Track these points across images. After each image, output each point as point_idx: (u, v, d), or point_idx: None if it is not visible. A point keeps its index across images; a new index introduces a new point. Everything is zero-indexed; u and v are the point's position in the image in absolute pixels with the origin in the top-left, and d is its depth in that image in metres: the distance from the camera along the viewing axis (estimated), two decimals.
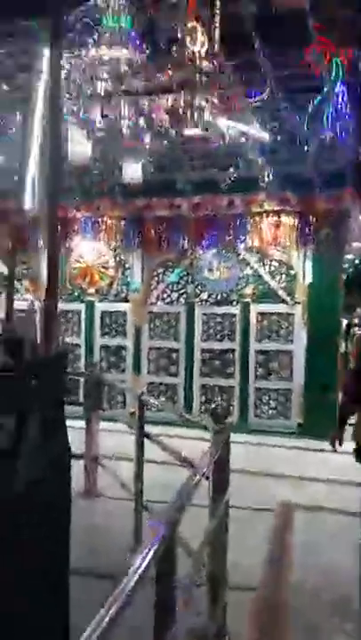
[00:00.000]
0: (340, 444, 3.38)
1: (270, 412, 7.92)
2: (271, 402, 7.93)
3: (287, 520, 4.14)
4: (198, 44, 6.94)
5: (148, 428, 4.09)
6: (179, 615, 1.64)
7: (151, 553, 1.42)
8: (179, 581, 1.66)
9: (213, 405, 2.96)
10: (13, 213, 4.91)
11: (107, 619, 1.09)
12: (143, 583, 1.31)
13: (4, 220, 5.36)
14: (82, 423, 5.04)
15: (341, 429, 3.41)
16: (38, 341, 2.74)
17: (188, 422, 5.15)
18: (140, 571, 1.31)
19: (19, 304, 4.28)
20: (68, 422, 2.70)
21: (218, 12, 6.23)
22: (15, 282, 4.08)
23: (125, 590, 1.22)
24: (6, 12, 4.73)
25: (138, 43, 6.75)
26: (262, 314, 7.98)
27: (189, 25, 6.58)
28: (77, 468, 3.28)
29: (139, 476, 4.01)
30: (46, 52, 5.46)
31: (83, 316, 8.61)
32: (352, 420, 3.35)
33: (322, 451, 4.34)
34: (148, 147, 6.88)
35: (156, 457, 4.28)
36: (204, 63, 7.00)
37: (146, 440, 4.03)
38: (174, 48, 6.89)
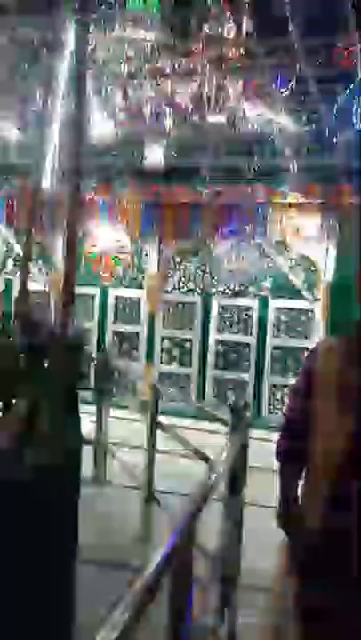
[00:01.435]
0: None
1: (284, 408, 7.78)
2: (285, 398, 7.80)
3: None
4: (227, 28, 6.75)
5: (160, 418, 3.99)
6: (193, 612, 1.55)
7: (169, 548, 1.34)
8: (195, 579, 1.56)
9: (233, 399, 2.84)
10: (31, 192, 4.81)
11: (126, 616, 0.99)
12: (161, 579, 1.24)
13: (21, 198, 5.26)
14: (92, 409, 4.95)
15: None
16: (53, 324, 2.65)
17: (201, 414, 5.03)
18: (159, 567, 1.22)
19: (33, 285, 4.18)
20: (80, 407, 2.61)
21: None
22: (30, 263, 4.00)
23: (145, 586, 1.13)
24: None
25: (165, 24, 6.59)
26: (280, 309, 7.82)
27: (219, 7, 6.40)
28: (87, 454, 3.19)
29: (149, 465, 3.91)
30: (71, 26, 5.33)
31: (97, 301, 8.52)
32: None
33: None
34: (170, 131, 6.73)
35: (167, 447, 4.19)
36: (233, 48, 6.82)
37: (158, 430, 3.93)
38: (203, 31, 6.71)
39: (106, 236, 8.34)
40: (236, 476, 2.53)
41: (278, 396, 7.80)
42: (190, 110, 6.98)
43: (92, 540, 3.27)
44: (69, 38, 4.82)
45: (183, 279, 8.22)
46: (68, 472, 2.49)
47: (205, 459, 3.05)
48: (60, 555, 2.54)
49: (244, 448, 2.69)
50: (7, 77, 6.00)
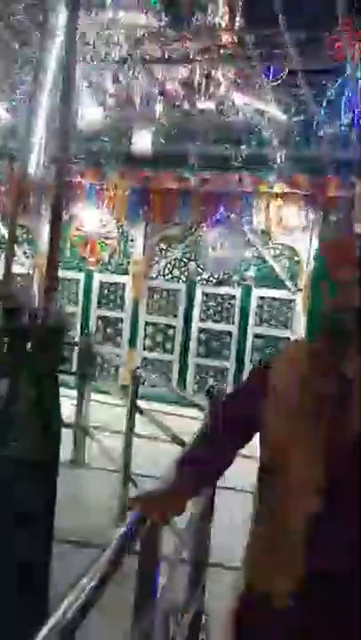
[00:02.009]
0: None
1: None
2: None
3: None
4: (219, 16, 6.74)
5: (140, 403, 4.06)
6: (159, 591, 1.63)
7: (135, 526, 1.40)
8: (162, 557, 1.64)
9: (208, 385, 2.92)
10: (17, 176, 4.81)
11: (88, 588, 1.07)
12: (126, 555, 1.30)
13: (7, 182, 5.25)
14: (73, 392, 5.01)
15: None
16: (36, 308, 2.69)
17: (182, 400, 5.12)
18: (122, 542, 1.29)
19: (17, 268, 4.20)
20: (60, 391, 2.67)
21: None
22: (14, 246, 4.02)
23: (108, 560, 1.20)
24: None
25: (157, 9, 6.55)
26: (263, 298, 7.92)
27: None
28: (66, 436, 3.25)
29: (127, 448, 4.00)
30: (62, 9, 5.28)
31: (81, 285, 8.53)
32: None
33: None
34: (159, 117, 6.73)
35: (146, 431, 4.27)
36: (224, 36, 6.81)
37: (137, 415, 4.01)
38: (195, 18, 6.69)
39: (92, 220, 8.34)
40: None
41: None
42: (180, 97, 6.98)
43: (70, 520, 3.35)
44: (60, 22, 4.80)
45: (168, 266, 8.27)
46: (47, 453, 2.55)
47: (182, 443, 3.13)
48: (36, 533, 2.61)
49: None
50: None
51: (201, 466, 1.51)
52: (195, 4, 6.29)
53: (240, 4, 6.58)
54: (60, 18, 5.22)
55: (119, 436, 4.11)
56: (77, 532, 3.47)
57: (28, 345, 2.56)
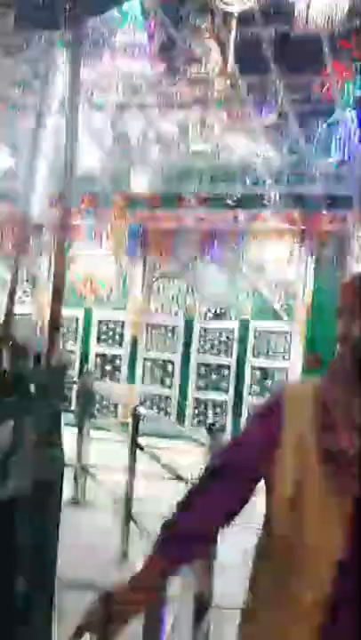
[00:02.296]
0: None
1: None
2: None
3: None
4: (213, 63, 7.02)
5: (140, 440, 4.08)
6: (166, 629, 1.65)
7: None
8: (168, 596, 1.66)
9: (210, 421, 2.96)
10: (20, 217, 4.94)
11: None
12: None
13: (10, 223, 5.39)
14: (73, 430, 5.02)
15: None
16: (40, 350, 2.75)
17: (181, 435, 5.14)
18: None
19: (18, 308, 4.28)
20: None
21: (234, 32, 6.32)
22: (16, 286, 4.11)
23: None
24: (27, 19, 4.80)
25: (153, 58, 6.82)
26: (260, 330, 8.01)
27: (206, 44, 6.66)
28: (66, 474, 3.27)
29: (129, 486, 4.00)
30: (62, 59, 5.53)
31: (80, 322, 8.62)
32: None
33: None
34: (156, 159, 6.95)
35: (146, 468, 4.28)
36: (218, 81, 7.08)
37: (138, 451, 4.03)
38: (189, 65, 6.96)
39: (91, 258, 8.49)
40: None
41: None
42: (176, 139, 7.21)
43: (70, 559, 3.34)
44: (61, 70, 5.01)
45: (166, 302, 8.38)
46: (51, 495, 2.57)
47: (183, 480, 3.15)
48: (40, 576, 2.61)
49: None
50: None
51: (178, 543, 1.20)
52: (189, 52, 6.57)
53: (232, 51, 6.86)
54: (59, 65, 5.47)
55: (119, 474, 4.11)
56: (78, 572, 3.44)
57: (32, 388, 2.60)
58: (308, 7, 4.45)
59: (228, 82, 6.64)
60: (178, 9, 6.43)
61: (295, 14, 5.19)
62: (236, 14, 6.05)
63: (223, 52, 6.39)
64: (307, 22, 4.52)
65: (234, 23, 6.15)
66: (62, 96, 5.42)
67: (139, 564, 1.25)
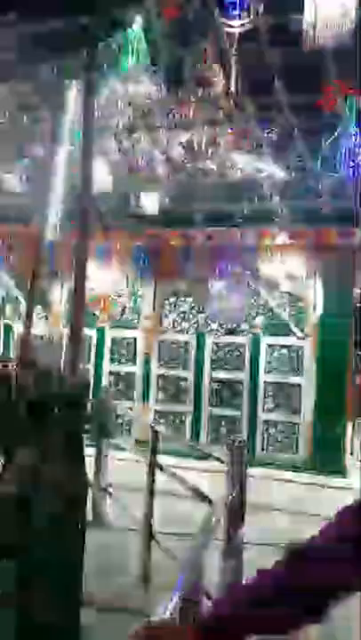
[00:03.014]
0: None
1: (277, 445, 7.89)
2: (278, 435, 7.92)
3: None
4: (218, 83, 7.14)
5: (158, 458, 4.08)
6: None
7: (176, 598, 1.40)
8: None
9: (231, 438, 2.96)
10: (36, 240, 5.02)
11: None
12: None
13: (27, 247, 5.47)
14: (90, 450, 5.03)
15: None
16: (60, 371, 2.80)
17: (198, 452, 5.14)
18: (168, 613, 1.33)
19: (35, 330, 4.34)
20: None
21: (237, 52, 6.43)
22: (33, 309, 4.17)
23: None
24: (39, 45, 4.92)
25: (159, 80, 6.94)
26: (272, 345, 8.02)
27: (210, 65, 6.79)
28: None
29: (149, 506, 3.99)
30: (71, 85, 5.68)
31: (93, 341, 8.68)
32: None
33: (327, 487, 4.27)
34: (164, 179, 7.05)
35: (165, 487, 4.27)
36: (223, 101, 7.19)
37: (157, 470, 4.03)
38: (195, 87, 7.07)
39: (103, 278, 8.57)
40: (235, 514, 2.64)
41: (272, 432, 7.93)
42: (183, 159, 7.31)
43: (93, 582, 3.33)
44: (69, 99, 5.15)
45: (178, 319, 8.43)
46: (75, 519, 2.59)
47: (204, 498, 3.15)
48: (66, 602, 2.62)
49: (241, 486, 2.80)
50: (9, 130, 6.31)
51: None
52: (195, 73, 6.68)
53: (235, 70, 6.98)
54: (70, 92, 5.61)
55: (138, 493, 4.11)
56: (100, 594, 3.44)
57: (55, 410, 2.65)
58: (314, 27, 4.53)
59: (232, 101, 6.75)
60: (181, 31, 6.57)
61: (302, 30, 5.26)
62: (237, 34, 6.17)
63: (226, 72, 6.50)
64: (314, 41, 4.59)
65: (235, 43, 6.27)
66: (72, 122, 5.55)
67: (160, 585, 1.21)
